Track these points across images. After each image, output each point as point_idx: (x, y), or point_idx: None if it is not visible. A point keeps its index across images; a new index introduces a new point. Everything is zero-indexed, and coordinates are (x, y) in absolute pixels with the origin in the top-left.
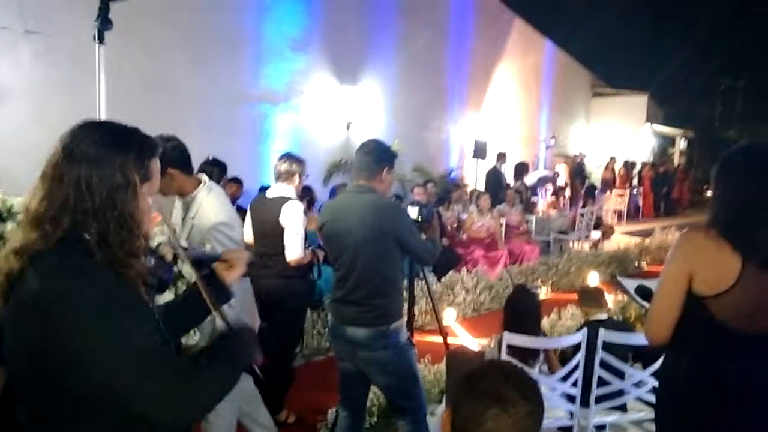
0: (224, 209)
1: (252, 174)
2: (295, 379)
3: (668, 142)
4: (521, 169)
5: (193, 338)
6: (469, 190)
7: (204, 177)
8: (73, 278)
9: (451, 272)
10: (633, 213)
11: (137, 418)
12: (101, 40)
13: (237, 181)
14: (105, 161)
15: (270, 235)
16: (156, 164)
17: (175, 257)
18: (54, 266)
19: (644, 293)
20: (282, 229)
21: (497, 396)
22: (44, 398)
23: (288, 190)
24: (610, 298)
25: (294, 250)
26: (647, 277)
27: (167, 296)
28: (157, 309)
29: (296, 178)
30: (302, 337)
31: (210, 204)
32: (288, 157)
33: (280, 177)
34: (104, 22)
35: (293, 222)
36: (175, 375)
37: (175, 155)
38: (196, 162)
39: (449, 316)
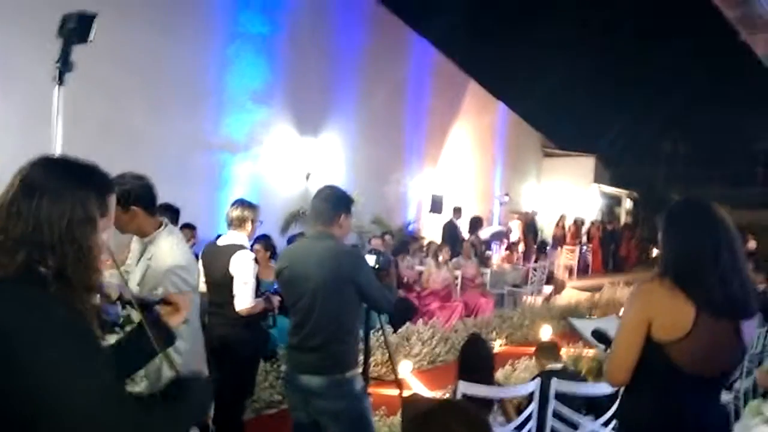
0: (182, 253)
1: (209, 222)
2: None
3: (615, 201)
4: (476, 223)
5: (140, 385)
6: (425, 242)
7: (165, 220)
8: (29, 310)
9: (407, 324)
10: (582, 269)
11: None
12: (62, 81)
13: (190, 227)
14: (67, 195)
15: (220, 283)
16: (113, 201)
17: (120, 298)
18: (9, 299)
19: (599, 336)
20: (232, 279)
21: None
22: None
23: (239, 237)
24: (564, 351)
25: (243, 300)
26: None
27: (112, 339)
28: (107, 348)
29: (248, 225)
30: (253, 388)
31: (169, 247)
32: (240, 203)
33: (231, 224)
34: (65, 63)
35: (242, 271)
36: (128, 413)
37: (142, 193)
38: None
39: (405, 368)
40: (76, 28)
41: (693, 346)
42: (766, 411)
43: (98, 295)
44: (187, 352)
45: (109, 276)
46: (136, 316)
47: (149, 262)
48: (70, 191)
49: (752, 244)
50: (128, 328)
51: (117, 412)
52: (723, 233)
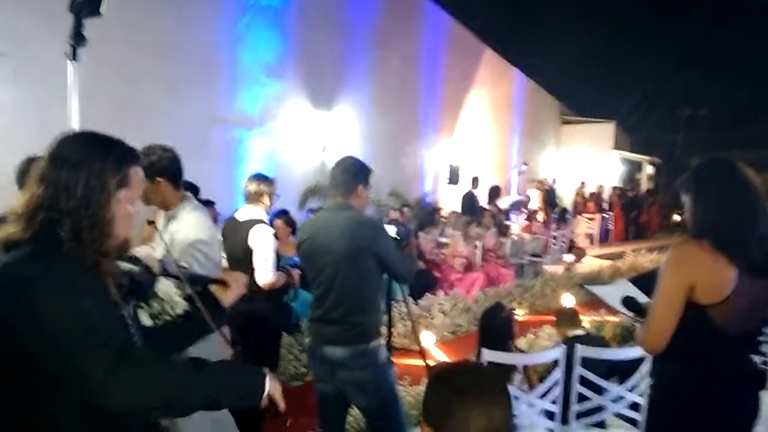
0: (206, 228)
1: (226, 198)
2: None
3: (635, 168)
4: (495, 193)
5: None
6: (447, 213)
7: (189, 195)
8: (41, 263)
9: (427, 294)
10: (603, 237)
11: (91, 395)
12: (74, 57)
13: (209, 204)
14: (83, 166)
15: (240, 258)
16: (137, 173)
17: (165, 271)
18: (25, 253)
19: (631, 304)
20: (251, 253)
21: (457, 388)
22: (9, 376)
23: (257, 211)
24: (586, 319)
25: (264, 274)
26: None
27: (144, 320)
28: (134, 318)
29: (265, 199)
30: (278, 362)
31: (192, 221)
32: (256, 177)
33: (249, 198)
34: (78, 38)
35: (262, 245)
36: (128, 355)
37: (168, 165)
38: None
39: (427, 339)
40: (87, 1)
41: (735, 307)
42: None
43: (117, 262)
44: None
45: (152, 250)
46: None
47: (173, 236)
48: (87, 162)
49: None
50: (154, 303)
51: (110, 361)
52: (754, 193)
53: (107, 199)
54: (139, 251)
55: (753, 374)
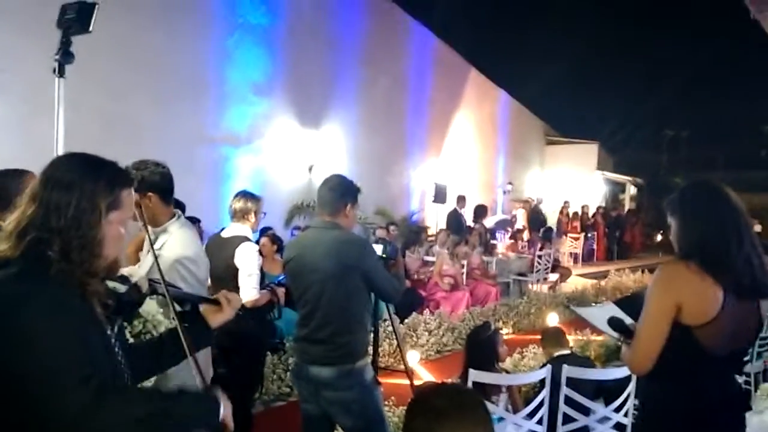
0: (193, 245)
1: (212, 215)
2: (253, 426)
3: (619, 188)
4: (481, 212)
5: (149, 381)
6: (435, 231)
7: (179, 212)
8: (28, 283)
9: (413, 314)
10: (587, 256)
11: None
12: (62, 73)
13: (194, 221)
14: (75, 187)
15: (224, 276)
16: (129, 195)
17: (153, 291)
18: (13, 273)
19: (617, 325)
20: (236, 271)
21: (432, 411)
22: None
23: (243, 229)
24: (571, 338)
25: (248, 292)
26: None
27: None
28: (120, 336)
29: (252, 216)
30: (262, 381)
31: (180, 237)
32: (243, 194)
33: (235, 215)
34: (65, 55)
35: (247, 263)
36: (105, 396)
37: (159, 180)
38: None
39: (412, 358)
40: (75, 18)
41: (721, 329)
42: None
43: (105, 282)
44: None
45: (140, 268)
46: (146, 311)
47: (159, 252)
48: (79, 183)
49: (757, 228)
50: (136, 322)
51: (88, 399)
52: (739, 215)
53: (98, 220)
54: (127, 270)
55: (738, 396)
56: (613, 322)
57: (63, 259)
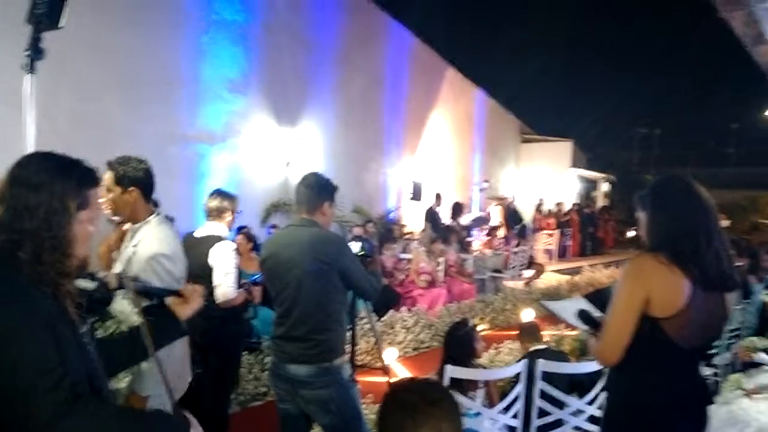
0: (169, 242)
1: (187, 215)
2: (229, 426)
3: (592, 185)
4: (457, 209)
5: (123, 381)
6: (406, 230)
7: (159, 210)
8: (0, 287)
9: (391, 311)
10: (561, 252)
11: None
12: (32, 69)
13: (169, 220)
14: (45, 187)
15: (199, 276)
16: (97, 194)
17: (121, 286)
18: None
19: (586, 318)
20: (211, 270)
21: (407, 407)
22: None
23: (218, 228)
24: (546, 333)
25: (223, 291)
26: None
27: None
28: (91, 334)
29: (227, 215)
30: (238, 381)
31: (157, 234)
32: (218, 193)
33: (210, 214)
34: (36, 51)
35: (223, 262)
36: (76, 403)
37: (142, 176)
38: None
39: (390, 356)
40: (46, 13)
41: (688, 321)
42: (745, 384)
43: (74, 281)
44: (171, 350)
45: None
46: (118, 310)
47: (135, 248)
48: (49, 184)
49: (725, 223)
50: (109, 322)
51: (59, 406)
52: (709, 209)
53: (68, 220)
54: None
55: (702, 388)
56: (582, 315)
57: (35, 261)
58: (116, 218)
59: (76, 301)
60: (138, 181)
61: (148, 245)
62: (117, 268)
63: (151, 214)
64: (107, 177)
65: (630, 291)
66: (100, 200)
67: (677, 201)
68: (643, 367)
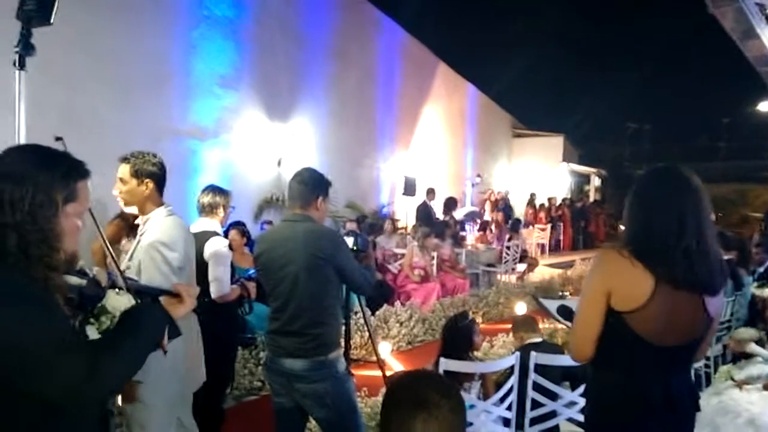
0: (172, 232)
1: (179, 210)
2: (225, 421)
3: (584, 180)
4: (450, 204)
5: None
6: (400, 224)
7: (169, 204)
8: None
9: (385, 306)
10: (554, 246)
11: (57, 396)
12: (22, 66)
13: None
14: (29, 180)
15: (195, 272)
16: (85, 187)
17: (113, 284)
18: None
19: (565, 313)
20: (206, 266)
21: (419, 400)
22: None
23: (212, 224)
24: (540, 326)
25: (218, 287)
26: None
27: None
28: (82, 332)
29: (220, 211)
30: (233, 376)
31: (162, 224)
32: (211, 189)
33: (203, 210)
34: (26, 47)
35: (217, 257)
36: (83, 359)
37: (157, 171)
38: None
39: (384, 350)
40: (36, 9)
41: (652, 316)
42: (735, 375)
43: (64, 276)
44: (185, 347)
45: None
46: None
47: (140, 237)
48: (33, 176)
49: (713, 216)
50: (103, 318)
51: (72, 360)
52: (691, 203)
53: (55, 213)
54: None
55: (684, 391)
56: (561, 310)
57: (21, 254)
58: (129, 210)
59: (66, 295)
60: (152, 175)
61: (151, 233)
62: (125, 259)
63: (160, 206)
64: (123, 169)
65: (593, 285)
66: (90, 194)
67: (651, 195)
68: (617, 365)
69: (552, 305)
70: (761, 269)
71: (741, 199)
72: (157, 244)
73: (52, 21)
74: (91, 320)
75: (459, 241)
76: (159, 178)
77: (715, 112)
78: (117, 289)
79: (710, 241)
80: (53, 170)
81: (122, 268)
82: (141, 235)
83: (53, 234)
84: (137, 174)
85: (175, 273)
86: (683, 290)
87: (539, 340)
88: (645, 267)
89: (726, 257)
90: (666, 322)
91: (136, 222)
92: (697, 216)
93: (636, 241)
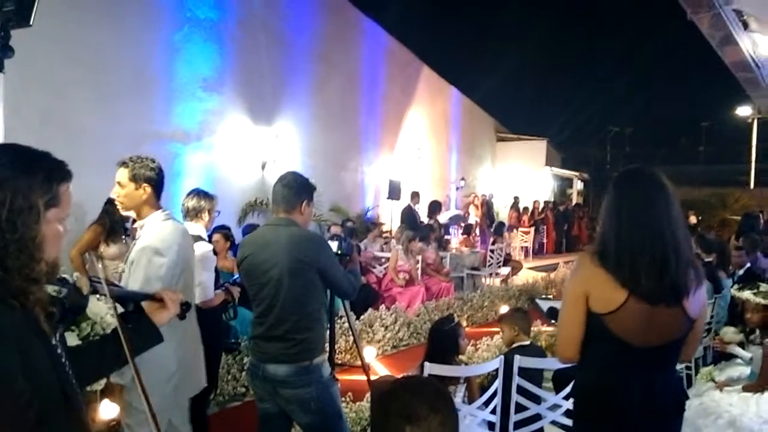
0: (164, 237)
1: None
2: (209, 427)
3: (566, 183)
4: (435, 208)
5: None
6: (385, 228)
7: (168, 210)
8: None
9: (369, 310)
10: (537, 249)
11: None
12: (1, 68)
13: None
14: (8, 184)
15: None
16: (67, 190)
17: (95, 291)
18: None
19: (554, 314)
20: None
21: (407, 413)
22: None
23: (196, 228)
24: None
25: (202, 292)
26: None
27: (71, 339)
28: (63, 342)
29: (205, 215)
30: (216, 382)
31: (157, 229)
32: (196, 193)
33: (188, 214)
34: (4, 49)
35: (201, 262)
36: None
37: (155, 176)
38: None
39: (369, 354)
40: (15, 10)
41: (628, 320)
42: (716, 377)
43: (61, 287)
44: (185, 350)
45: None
46: (94, 312)
47: (136, 241)
48: (12, 180)
49: (693, 219)
50: (84, 324)
51: (20, 414)
52: (661, 204)
53: (36, 219)
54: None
55: (670, 390)
56: (550, 312)
57: (0, 267)
58: (128, 214)
59: (47, 310)
60: (150, 179)
61: (145, 239)
62: (127, 263)
63: (156, 211)
64: (121, 173)
65: (571, 287)
66: (71, 198)
67: (621, 200)
68: (600, 366)
69: (545, 306)
70: (740, 272)
71: (720, 202)
72: (147, 249)
73: (31, 23)
74: (73, 327)
75: (443, 245)
76: (157, 182)
77: (695, 116)
78: (98, 295)
79: (681, 241)
80: (34, 174)
81: (118, 271)
82: (137, 239)
83: (34, 243)
84: (135, 178)
85: (161, 279)
86: (651, 302)
87: (527, 342)
88: (615, 278)
89: (706, 260)
90: (642, 325)
91: (135, 226)
92: (667, 216)
93: (606, 250)
